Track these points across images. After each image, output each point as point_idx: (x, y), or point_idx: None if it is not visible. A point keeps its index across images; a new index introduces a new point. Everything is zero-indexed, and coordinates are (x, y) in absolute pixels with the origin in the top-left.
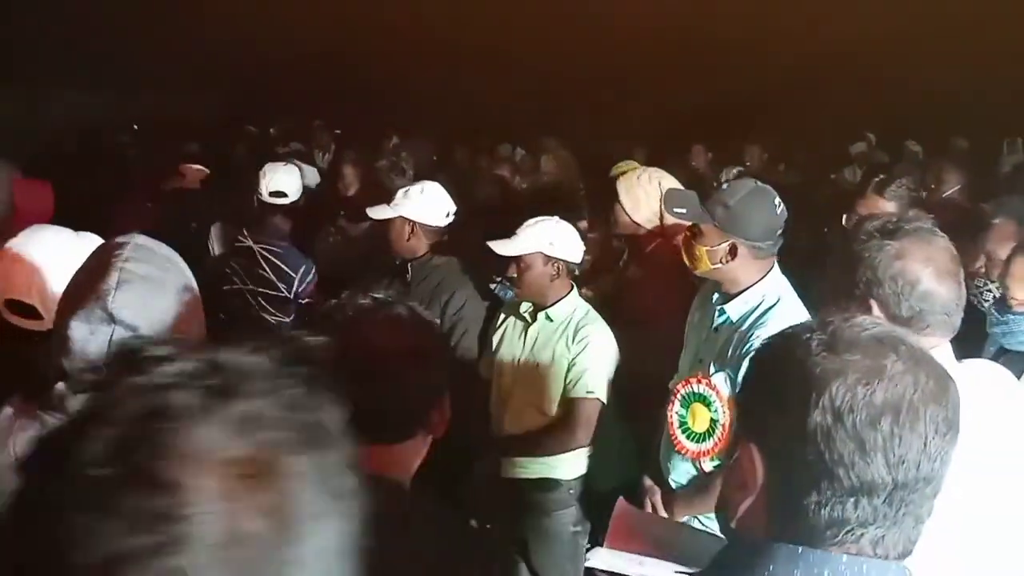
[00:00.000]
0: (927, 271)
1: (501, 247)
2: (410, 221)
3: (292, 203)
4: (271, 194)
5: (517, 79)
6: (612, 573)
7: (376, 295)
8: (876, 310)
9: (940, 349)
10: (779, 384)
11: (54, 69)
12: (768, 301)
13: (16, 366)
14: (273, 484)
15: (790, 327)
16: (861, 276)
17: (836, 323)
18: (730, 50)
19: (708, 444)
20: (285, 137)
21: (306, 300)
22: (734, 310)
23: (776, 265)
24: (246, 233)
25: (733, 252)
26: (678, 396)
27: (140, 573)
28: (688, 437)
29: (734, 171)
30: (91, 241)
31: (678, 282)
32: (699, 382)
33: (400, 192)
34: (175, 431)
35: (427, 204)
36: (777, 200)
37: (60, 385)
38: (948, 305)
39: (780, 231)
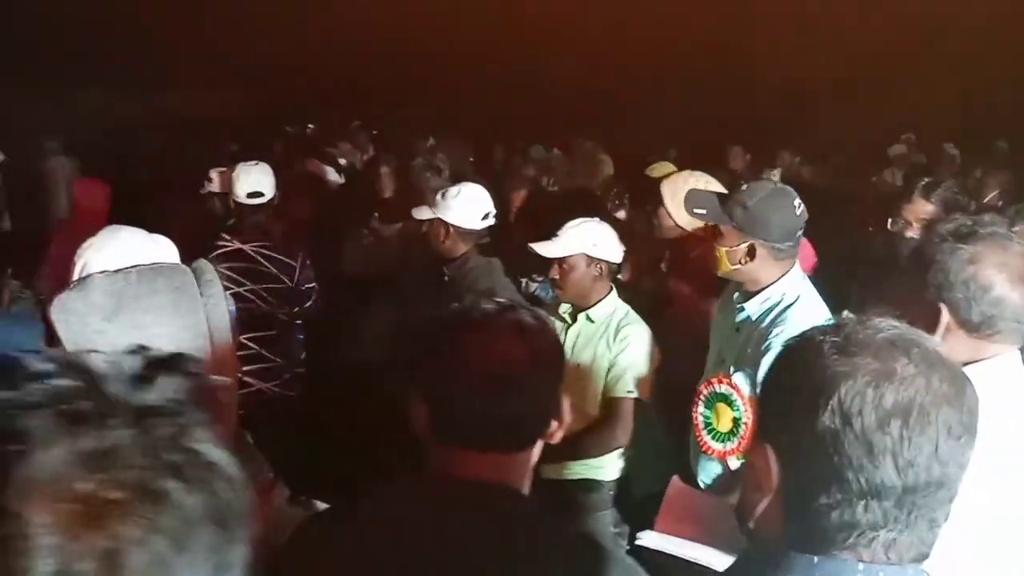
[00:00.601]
0: (1000, 276)
1: (544, 248)
2: (446, 223)
3: (268, 201)
4: (248, 195)
5: (551, 81)
6: (661, 553)
7: (500, 299)
8: (946, 314)
9: (1008, 355)
10: (791, 386)
11: (88, 68)
12: (788, 299)
13: None
14: (109, 527)
15: (809, 329)
16: (932, 279)
17: (850, 325)
18: (764, 53)
19: (733, 443)
20: (325, 137)
21: (306, 286)
22: (753, 308)
23: (797, 264)
24: (229, 236)
25: (752, 253)
26: (702, 397)
27: None
28: (713, 437)
29: (775, 173)
30: (164, 244)
31: (721, 285)
32: (720, 382)
33: (438, 194)
34: (21, 455)
35: (462, 207)
36: (797, 201)
37: None
38: (1020, 312)
39: (800, 232)
